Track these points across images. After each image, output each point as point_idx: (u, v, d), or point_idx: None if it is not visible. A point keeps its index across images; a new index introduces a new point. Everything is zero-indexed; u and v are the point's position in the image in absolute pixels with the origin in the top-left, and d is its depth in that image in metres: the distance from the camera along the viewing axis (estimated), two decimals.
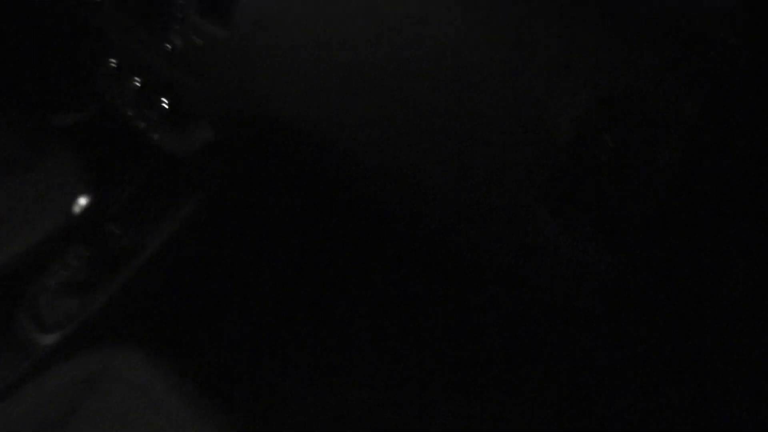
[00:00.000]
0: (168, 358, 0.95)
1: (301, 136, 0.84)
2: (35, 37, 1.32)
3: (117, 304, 1.06)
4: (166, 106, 0.98)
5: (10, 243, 1.05)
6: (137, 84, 1.03)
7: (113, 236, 1.08)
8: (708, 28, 0.63)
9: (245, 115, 0.90)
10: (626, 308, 0.66)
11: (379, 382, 1.12)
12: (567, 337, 0.81)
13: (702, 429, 0.72)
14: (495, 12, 0.70)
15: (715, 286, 0.64)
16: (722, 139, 0.61)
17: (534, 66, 0.68)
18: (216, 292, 1.12)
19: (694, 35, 0.64)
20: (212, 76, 0.92)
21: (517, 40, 0.69)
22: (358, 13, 0.78)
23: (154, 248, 1.07)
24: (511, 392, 1.09)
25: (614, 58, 0.65)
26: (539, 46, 0.68)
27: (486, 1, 0.70)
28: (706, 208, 0.62)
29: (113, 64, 1.07)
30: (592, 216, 0.65)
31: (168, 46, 0.97)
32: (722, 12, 0.63)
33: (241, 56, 0.87)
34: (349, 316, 1.18)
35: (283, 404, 1.10)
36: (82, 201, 1.08)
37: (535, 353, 1.06)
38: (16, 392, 0.93)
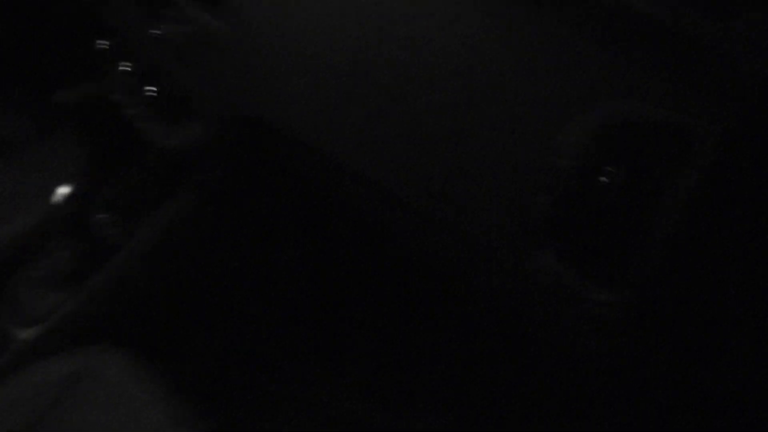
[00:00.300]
0: (152, 359, 0.92)
1: (294, 137, 0.79)
2: (25, 14, 1.27)
3: (101, 300, 1.02)
4: (154, 94, 0.93)
5: None
6: (127, 69, 0.97)
7: (100, 228, 1.03)
8: (736, 56, 0.57)
9: (238, 111, 0.85)
10: (630, 349, 0.61)
11: (372, 389, 1.08)
12: (567, 373, 0.77)
13: None
14: (499, 31, 0.64)
15: (723, 326, 0.60)
16: (742, 173, 0.56)
17: (537, 87, 0.62)
18: (204, 291, 1.07)
19: (718, 62, 0.58)
20: (204, 69, 0.87)
21: (520, 57, 0.63)
22: (360, 14, 0.73)
23: (141, 243, 1.02)
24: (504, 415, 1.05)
25: (626, 82, 0.60)
26: (543, 67, 0.62)
27: (491, 21, 0.65)
28: (717, 245, 0.57)
29: (104, 46, 1.02)
30: (593, 251, 0.60)
31: (158, 31, 0.92)
32: (751, 39, 0.58)
33: (234, 49, 0.82)
34: (340, 318, 1.14)
35: (269, 409, 1.06)
36: (69, 189, 1.03)
37: (532, 380, 1.02)
38: None
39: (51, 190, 1.04)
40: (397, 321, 1.13)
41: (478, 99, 0.64)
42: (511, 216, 0.63)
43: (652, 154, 0.59)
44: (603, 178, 0.60)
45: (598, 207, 0.60)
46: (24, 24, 1.28)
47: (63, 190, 1.03)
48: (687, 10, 0.60)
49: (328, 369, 1.10)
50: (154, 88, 0.94)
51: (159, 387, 0.90)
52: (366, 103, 0.71)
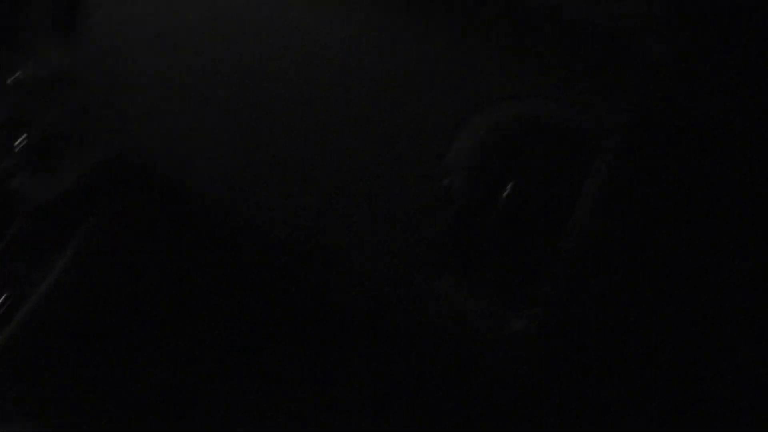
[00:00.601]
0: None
1: (163, 173, 0.72)
2: None
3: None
4: (24, 144, 0.85)
5: None
6: None
7: None
8: (629, 37, 0.52)
9: (109, 152, 0.78)
10: (545, 376, 0.56)
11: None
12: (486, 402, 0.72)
13: None
14: (370, 36, 0.58)
15: (650, 339, 0.55)
16: (649, 174, 0.51)
17: (418, 94, 0.56)
18: (99, 355, 0.99)
19: (611, 45, 0.53)
20: (69, 111, 0.79)
21: (395, 62, 0.57)
22: (222, 36, 0.66)
23: (34, 303, 0.94)
24: None
25: (512, 80, 0.54)
26: (422, 71, 0.56)
27: (360, 27, 0.59)
28: (628, 257, 0.52)
29: None
30: (495, 275, 0.54)
31: (19, 74, 0.84)
32: (645, 18, 0.53)
33: (97, 87, 0.74)
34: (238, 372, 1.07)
35: None
36: None
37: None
38: None
39: None
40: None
41: (353, 112, 0.58)
42: (400, 243, 0.57)
43: (553, 161, 0.54)
44: (503, 193, 0.55)
45: (499, 225, 0.54)
46: None
47: None
48: None
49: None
50: (23, 138, 0.85)
51: None
52: (233, 132, 0.65)
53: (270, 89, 0.63)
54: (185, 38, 0.66)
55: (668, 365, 0.53)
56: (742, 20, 0.52)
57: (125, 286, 0.99)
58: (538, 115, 0.55)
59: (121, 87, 0.70)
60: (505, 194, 0.53)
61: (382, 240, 0.57)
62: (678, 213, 0.50)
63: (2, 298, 0.95)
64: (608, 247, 0.51)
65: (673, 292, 0.51)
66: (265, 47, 0.62)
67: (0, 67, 0.84)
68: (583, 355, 0.54)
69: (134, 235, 0.93)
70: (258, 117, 0.63)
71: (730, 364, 0.51)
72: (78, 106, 0.78)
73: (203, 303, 1.01)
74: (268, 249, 0.69)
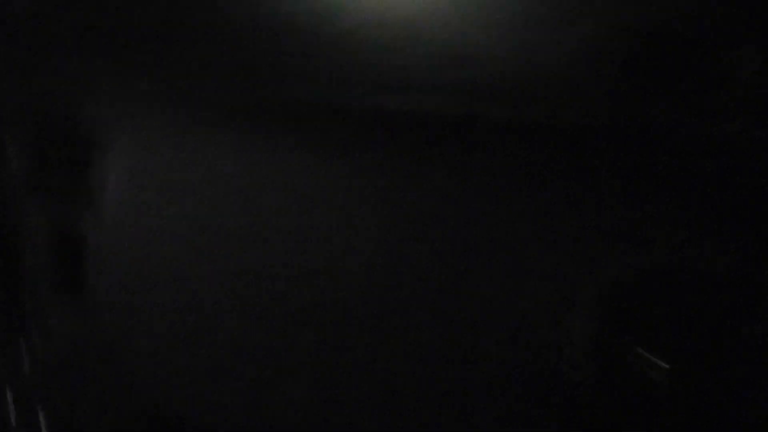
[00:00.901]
0: None
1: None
2: None
3: None
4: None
5: None
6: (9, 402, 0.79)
7: None
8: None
9: (135, 417, 0.66)
10: None
11: None
12: None
13: None
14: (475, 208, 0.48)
15: None
16: None
17: (521, 267, 0.45)
18: None
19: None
20: (86, 379, 0.69)
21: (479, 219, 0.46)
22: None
23: None
24: None
25: (631, 228, 0.43)
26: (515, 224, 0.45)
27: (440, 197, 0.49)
28: None
29: None
30: None
31: (26, 345, 0.75)
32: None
33: (107, 353, 0.65)
34: None
35: None
36: None
37: None
38: None
39: None
40: None
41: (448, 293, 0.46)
42: None
43: (691, 319, 0.41)
44: (641, 370, 0.42)
45: (642, 416, 0.41)
46: None
47: None
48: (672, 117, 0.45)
49: None
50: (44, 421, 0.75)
51: None
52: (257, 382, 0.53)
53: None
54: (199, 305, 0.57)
55: None
56: None
57: None
58: (653, 264, 0.43)
59: (133, 351, 0.60)
60: (652, 376, 0.40)
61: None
62: None
63: None
64: None
65: None
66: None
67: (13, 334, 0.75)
68: None
69: None
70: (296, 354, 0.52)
71: None
72: (90, 374, 0.68)
73: None
74: None
